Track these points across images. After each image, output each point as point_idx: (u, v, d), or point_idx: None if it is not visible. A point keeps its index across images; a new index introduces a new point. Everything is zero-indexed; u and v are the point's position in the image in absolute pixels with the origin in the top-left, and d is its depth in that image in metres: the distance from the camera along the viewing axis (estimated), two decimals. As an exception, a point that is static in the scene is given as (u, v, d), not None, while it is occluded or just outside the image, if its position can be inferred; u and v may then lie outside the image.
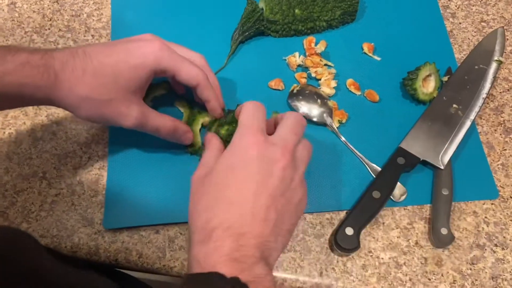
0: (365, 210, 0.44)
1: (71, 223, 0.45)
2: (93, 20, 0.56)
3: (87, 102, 0.39)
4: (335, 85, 0.52)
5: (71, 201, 0.46)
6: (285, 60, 0.54)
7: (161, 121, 0.43)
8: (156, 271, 0.44)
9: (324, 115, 0.51)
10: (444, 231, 0.45)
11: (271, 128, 0.41)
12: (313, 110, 0.51)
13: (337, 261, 0.45)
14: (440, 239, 0.45)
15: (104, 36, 0.55)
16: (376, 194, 0.45)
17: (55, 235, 0.44)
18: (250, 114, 0.39)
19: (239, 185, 0.35)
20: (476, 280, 0.44)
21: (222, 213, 0.34)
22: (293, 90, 0.52)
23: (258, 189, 0.34)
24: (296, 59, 0.54)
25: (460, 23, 0.58)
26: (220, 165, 0.37)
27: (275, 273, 0.44)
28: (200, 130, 0.48)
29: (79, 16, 0.56)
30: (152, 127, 0.43)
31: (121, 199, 0.46)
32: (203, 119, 0.48)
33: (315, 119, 0.50)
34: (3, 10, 0.56)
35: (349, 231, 0.43)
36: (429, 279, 0.44)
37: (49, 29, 0.55)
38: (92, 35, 0.55)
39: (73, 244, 0.44)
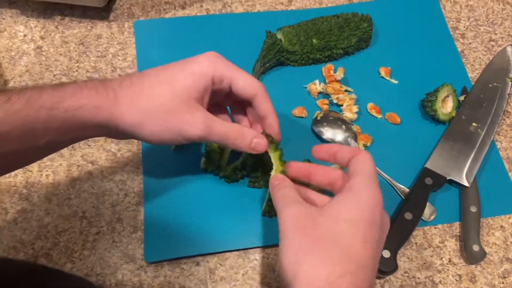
0: (399, 232, 0.46)
1: (114, 260, 0.46)
2: (119, 59, 0.58)
3: (150, 116, 0.38)
4: (357, 110, 0.54)
5: (112, 239, 0.47)
6: (306, 88, 0.56)
7: (229, 127, 0.41)
8: (200, 303, 0.45)
9: (349, 139, 0.52)
10: (476, 247, 0.46)
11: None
12: (337, 135, 0.53)
13: (375, 284, 0.46)
14: (472, 256, 0.46)
15: (130, 75, 0.57)
16: (408, 216, 0.46)
17: (99, 273, 0.46)
18: (374, 167, 0.37)
19: (361, 241, 0.33)
20: (510, 293, 0.46)
21: (346, 268, 0.32)
22: (317, 117, 0.54)
23: (376, 246, 0.34)
24: (316, 86, 0.56)
25: (470, 43, 0.60)
26: (342, 214, 0.34)
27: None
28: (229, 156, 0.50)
29: (105, 56, 0.58)
30: (219, 133, 0.40)
31: (160, 232, 0.47)
32: None
33: (340, 143, 0.52)
34: (30, 54, 0.58)
35: (386, 253, 0.44)
36: (465, 295, 0.45)
37: (76, 71, 0.57)
38: (119, 74, 0.57)
39: (117, 281, 0.45)
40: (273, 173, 0.42)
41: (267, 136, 0.43)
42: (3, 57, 0.57)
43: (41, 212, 0.48)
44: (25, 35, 0.59)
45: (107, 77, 0.56)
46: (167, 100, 0.38)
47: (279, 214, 0.36)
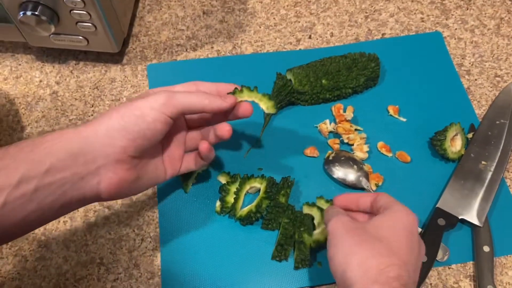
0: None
1: (132, 307, 0.47)
2: (132, 103, 0.59)
3: (120, 132, 0.38)
4: (368, 149, 0.55)
5: (130, 285, 0.48)
6: (317, 127, 0.57)
7: (191, 93, 0.41)
8: None
9: (361, 178, 0.53)
10: (490, 288, 0.46)
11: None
12: (349, 175, 0.53)
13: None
14: (487, 296, 0.46)
15: (144, 118, 0.58)
16: (423, 258, 0.47)
17: (118, 321, 0.46)
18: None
19: (403, 242, 0.37)
20: (527, 335, 0.46)
21: (392, 260, 0.35)
22: (328, 157, 0.55)
23: (416, 252, 0.38)
24: (327, 126, 0.57)
25: (475, 80, 0.61)
26: (385, 223, 0.39)
27: None
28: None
29: (119, 100, 0.59)
30: (182, 100, 0.40)
31: (177, 278, 0.48)
32: (249, 186, 0.52)
33: (352, 183, 0.53)
34: (46, 100, 0.59)
35: (402, 297, 0.45)
36: (482, 337, 0.46)
37: (92, 115, 0.58)
38: (132, 118, 0.58)
39: (136, 329, 0.46)
40: (263, 106, 0.46)
41: (234, 90, 0.45)
42: (19, 103, 0.59)
43: (60, 259, 0.49)
44: (40, 81, 0.60)
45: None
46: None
47: (329, 224, 0.40)
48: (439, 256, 0.49)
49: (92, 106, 0.59)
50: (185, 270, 0.48)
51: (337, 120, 0.57)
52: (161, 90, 0.43)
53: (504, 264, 0.49)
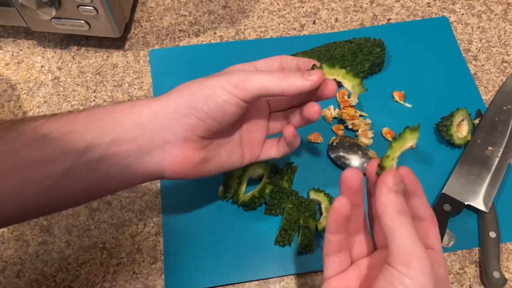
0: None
1: (135, 292, 0.47)
2: (135, 88, 0.58)
3: (189, 110, 0.36)
4: (372, 135, 0.54)
5: (132, 270, 0.48)
6: (321, 113, 0.57)
7: (266, 72, 0.37)
8: (221, 334, 0.46)
9: (365, 165, 0.53)
10: (496, 274, 0.46)
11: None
12: (353, 161, 0.53)
13: (396, 312, 0.46)
14: (493, 282, 0.46)
15: (146, 103, 0.57)
16: None
17: (121, 305, 0.46)
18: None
19: None
20: (533, 321, 0.45)
21: None
22: (332, 143, 0.54)
23: None
24: (331, 112, 0.56)
25: (482, 65, 0.60)
26: None
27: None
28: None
29: (121, 86, 0.59)
30: (258, 82, 0.36)
31: (179, 263, 0.47)
32: (252, 171, 0.50)
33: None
34: (47, 85, 0.59)
35: (406, 282, 0.44)
36: (488, 323, 0.45)
37: (94, 100, 0.58)
38: (135, 103, 0.57)
39: (138, 313, 0.46)
40: (347, 85, 0.39)
41: (312, 67, 0.39)
42: (21, 88, 0.58)
43: (62, 244, 0.49)
44: (42, 66, 0.60)
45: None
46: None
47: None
48: (445, 242, 0.48)
49: (94, 92, 0.58)
50: (188, 255, 0.48)
51: (341, 106, 0.56)
52: (241, 68, 0.40)
53: (511, 250, 0.49)
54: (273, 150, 0.43)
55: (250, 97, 0.36)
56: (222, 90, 0.35)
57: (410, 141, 0.34)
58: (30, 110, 0.57)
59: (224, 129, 0.38)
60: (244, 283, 0.47)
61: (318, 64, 0.39)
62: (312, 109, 0.39)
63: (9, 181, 0.33)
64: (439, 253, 0.34)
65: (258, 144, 0.42)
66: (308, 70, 0.38)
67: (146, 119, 0.35)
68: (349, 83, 0.39)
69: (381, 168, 0.33)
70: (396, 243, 0.29)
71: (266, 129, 0.43)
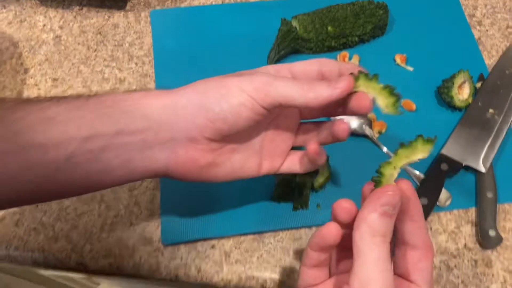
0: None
1: (132, 243, 0.47)
2: (135, 48, 0.59)
3: (199, 109, 0.33)
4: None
5: (130, 222, 0.48)
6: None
7: (291, 80, 0.33)
8: (215, 285, 0.46)
9: (364, 126, 0.52)
10: (492, 232, 0.46)
11: None
12: (352, 121, 0.53)
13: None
14: (488, 241, 0.46)
15: (147, 63, 0.58)
16: (423, 201, 0.46)
17: (118, 255, 0.47)
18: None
19: None
20: (528, 279, 0.45)
21: None
22: (331, 104, 0.54)
23: None
24: (331, 74, 0.56)
25: (487, 30, 0.60)
26: None
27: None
28: None
29: (122, 45, 0.59)
30: (281, 90, 0.33)
31: (176, 215, 0.48)
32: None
33: (355, 131, 0.52)
34: (49, 43, 0.59)
35: (401, 237, 0.45)
36: (481, 280, 0.45)
37: (94, 59, 0.58)
38: (135, 63, 0.58)
39: (134, 263, 0.46)
40: (381, 102, 0.34)
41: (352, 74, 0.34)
42: (23, 46, 0.59)
43: (61, 195, 0.50)
44: (44, 25, 0.60)
45: (122, 67, 0.57)
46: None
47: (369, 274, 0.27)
48: (441, 201, 0.48)
49: (95, 51, 0.58)
50: (185, 209, 0.48)
51: (342, 68, 0.56)
52: (273, 70, 0.36)
53: (508, 210, 0.49)
54: (295, 163, 0.39)
55: (270, 104, 0.33)
56: (240, 91, 0.32)
57: (420, 153, 0.30)
58: (32, 67, 0.57)
59: (238, 134, 0.35)
60: (239, 236, 0.47)
61: (355, 71, 0.35)
62: (340, 127, 0.36)
63: (8, 162, 0.31)
64: None
65: (280, 154, 0.39)
66: (339, 78, 0.34)
67: (154, 111, 0.33)
68: (383, 101, 0.34)
69: (378, 175, 0.30)
70: (358, 264, 0.27)
71: (292, 140, 0.39)
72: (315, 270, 0.33)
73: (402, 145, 0.30)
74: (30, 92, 0.55)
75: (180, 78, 0.56)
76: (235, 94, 0.32)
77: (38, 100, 0.33)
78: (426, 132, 0.52)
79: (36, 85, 0.56)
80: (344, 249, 0.33)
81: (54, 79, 0.57)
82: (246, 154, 0.37)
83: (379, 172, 0.30)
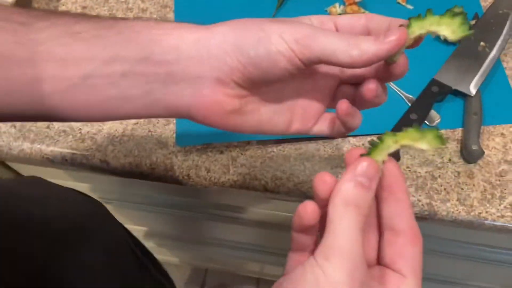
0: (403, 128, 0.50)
1: (149, 146, 0.53)
2: (157, -18, 0.64)
3: (234, 49, 0.31)
4: (373, 29, 0.59)
5: (148, 129, 0.54)
6: (327, 10, 0.61)
7: (335, 34, 0.30)
8: (222, 184, 0.52)
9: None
10: (474, 147, 0.50)
11: None
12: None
13: (379, 175, 0.51)
14: (471, 154, 0.50)
15: (167, -4, 0.63)
16: (413, 116, 0.51)
17: (136, 155, 0.52)
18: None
19: None
20: (505, 189, 0.50)
21: None
22: (335, 35, 0.58)
23: None
24: (336, 9, 0.61)
25: (485, -24, 0.63)
26: None
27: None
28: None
29: (145, -21, 0.64)
30: (324, 43, 0.29)
31: (188, 123, 0.53)
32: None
33: (355, 59, 0.57)
34: (79, -23, 0.65)
35: (390, 145, 0.49)
36: (462, 189, 0.50)
37: (120, -11, 0.63)
38: (156, -5, 0.63)
39: (151, 162, 0.52)
40: (446, 32, 0.31)
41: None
42: (56, -23, 0.64)
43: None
44: (75, -40, 0.66)
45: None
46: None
47: (337, 241, 0.26)
48: (430, 121, 0.53)
49: (121, -16, 0.64)
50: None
51: (346, 3, 0.61)
52: (317, 20, 0.34)
53: (492, 131, 0.53)
54: (325, 126, 0.36)
55: (309, 59, 0.30)
56: (280, 39, 0.30)
57: (426, 143, 0.28)
58: (63, -4, 0.63)
59: (270, 84, 0.33)
60: (245, 145, 0.53)
61: (405, 23, 0.32)
62: (366, 87, 0.32)
63: (22, 73, 0.29)
64: (410, 284, 0.27)
65: (314, 115, 0.36)
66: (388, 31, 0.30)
67: (185, 43, 0.31)
68: (448, 29, 0.31)
69: (377, 140, 0.29)
70: (327, 234, 0.26)
71: (327, 101, 0.36)
72: (298, 254, 0.31)
73: (415, 127, 0.29)
74: (61, 17, 0.61)
75: (198, 10, 0.62)
76: (274, 41, 0.30)
77: (67, 14, 0.32)
78: (422, 64, 0.57)
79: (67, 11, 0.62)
80: None
81: (84, 7, 0.62)
82: (276, 108, 0.35)
83: (379, 138, 0.29)
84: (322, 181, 0.28)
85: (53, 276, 0.43)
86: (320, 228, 0.29)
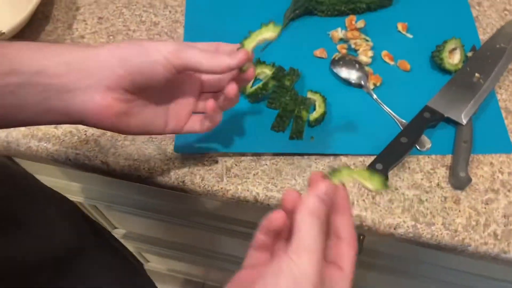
0: (393, 151, 0.52)
1: (149, 151, 0.55)
2: (171, -1, 0.68)
3: (120, 60, 0.38)
4: (372, 55, 0.61)
5: (149, 135, 0.57)
6: (329, 34, 0.64)
7: (202, 49, 0.40)
8: (215, 193, 0.54)
9: (362, 81, 0.59)
10: (462, 174, 0.52)
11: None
12: (351, 74, 0.60)
13: (367, 194, 0.52)
14: (459, 181, 0.52)
15: (179, 12, 0.66)
16: (403, 140, 0.53)
17: (136, 159, 0.55)
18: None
19: None
20: (490, 217, 0.51)
21: None
22: (335, 58, 0.61)
23: None
24: (338, 33, 0.63)
25: (485, 11, 0.66)
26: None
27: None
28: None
29: (160, -5, 0.68)
30: (191, 56, 0.39)
31: (188, 137, 0.56)
32: (260, 69, 0.58)
33: (353, 82, 0.59)
34: (99, -11, 0.69)
35: (379, 166, 0.51)
36: (448, 214, 0.51)
37: (135, 5, 0.67)
38: (169, 11, 0.67)
39: (149, 167, 0.54)
40: (267, 35, 0.42)
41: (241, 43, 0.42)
42: (77, -12, 0.69)
43: (95, 108, 0.58)
44: (96, -26, 0.70)
45: (157, 13, 0.66)
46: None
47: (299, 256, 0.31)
48: (421, 146, 0.55)
49: (137, -2, 0.68)
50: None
51: (348, 29, 0.63)
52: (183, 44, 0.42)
53: (481, 160, 0.54)
54: (196, 124, 0.46)
55: (181, 66, 0.39)
56: (157, 52, 0.38)
57: (370, 183, 0.36)
58: (82, 7, 0.67)
59: (150, 90, 0.41)
60: (240, 156, 0.55)
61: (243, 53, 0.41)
62: (229, 86, 0.42)
63: None
64: (346, 276, 0.33)
65: (183, 116, 0.45)
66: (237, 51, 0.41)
67: (75, 60, 0.37)
68: (268, 31, 0.42)
69: (334, 172, 0.36)
70: (296, 236, 0.31)
71: (193, 105, 0.46)
72: (258, 252, 0.36)
73: (371, 170, 0.41)
74: (78, 26, 0.65)
75: (207, 27, 0.65)
76: (153, 53, 0.38)
77: None
78: (417, 91, 0.59)
79: (84, 20, 0.66)
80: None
81: (100, 18, 0.66)
82: (156, 111, 0.43)
83: (338, 169, 0.36)
84: (290, 196, 0.34)
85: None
86: (285, 232, 0.35)
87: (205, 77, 0.46)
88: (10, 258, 0.38)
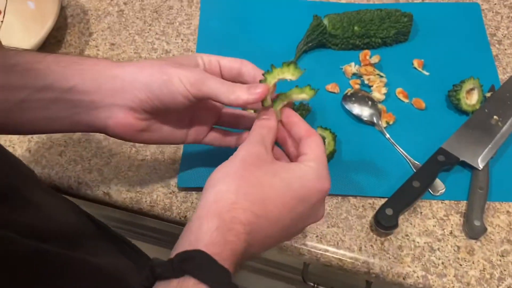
0: (404, 195, 0.50)
1: (152, 183, 0.54)
2: (184, 27, 0.67)
3: (143, 87, 0.40)
4: (385, 91, 0.59)
5: (153, 166, 0.55)
6: (342, 68, 0.62)
7: (221, 81, 0.41)
8: (217, 230, 0.52)
9: (374, 118, 0.57)
10: (477, 222, 0.49)
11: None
12: (364, 111, 0.58)
13: (376, 240, 0.50)
14: (473, 230, 0.49)
15: (191, 40, 0.66)
16: (415, 184, 0.50)
17: (138, 191, 0.54)
18: (324, 152, 0.39)
19: (282, 202, 0.36)
20: (505, 270, 0.48)
21: (254, 209, 0.34)
22: (347, 93, 0.59)
23: (293, 217, 0.37)
24: (351, 68, 0.62)
25: (505, 49, 0.63)
26: (284, 174, 0.37)
27: (319, 245, 0.50)
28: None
29: (173, 23, 0.68)
30: (212, 86, 0.40)
31: (193, 166, 0.54)
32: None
33: (365, 119, 0.57)
34: (113, 15, 0.69)
35: (389, 211, 0.49)
36: (461, 265, 0.48)
37: (148, 32, 0.67)
38: (181, 39, 0.66)
39: (151, 200, 0.53)
40: (288, 76, 0.41)
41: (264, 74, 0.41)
42: (91, 14, 0.69)
43: (101, 136, 0.58)
44: (111, 0, 0.70)
45: (169, 41, 0.66)
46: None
47: (242, 145, 0.39)
48: (435, 191, 0.52)
49: (150, 26, 0.68)
50: (201, 162, 0.54)
51: (362, 64, 0.62)
52: (207, 59, 0.44)
53: (498, 208, 0.52)
54: (216, 139, 0.48)
55: (200, 96, 0.40)
56: (179, 82, 0.39)
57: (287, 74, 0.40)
58: (95, 32, 0.67)
59: (169, 111, 0.42)
60: (245, 192, 0.53)
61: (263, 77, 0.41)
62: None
63: None
64: (311, 158, 0.39)
65: (204, 130, 0.47)
66: (255, 84, 0.41)
67: (104, 79, 0.40)
68: (289, 73, 0.41)
69: (265, 79, 0.40)
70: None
71: (215, 120, 0.48)
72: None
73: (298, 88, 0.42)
74: (90, 51, 0.65)
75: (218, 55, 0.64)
76: (175, 84, 0.39)
77: (3, 49, 0.40)
78: (432, 131, 0.57)
79: (96, 46, 0.66)
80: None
81: (112, 44, 0.66)
82: (175, 126, 0.45)
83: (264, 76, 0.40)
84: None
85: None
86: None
87: None
88: (21, 224, 0.37)
